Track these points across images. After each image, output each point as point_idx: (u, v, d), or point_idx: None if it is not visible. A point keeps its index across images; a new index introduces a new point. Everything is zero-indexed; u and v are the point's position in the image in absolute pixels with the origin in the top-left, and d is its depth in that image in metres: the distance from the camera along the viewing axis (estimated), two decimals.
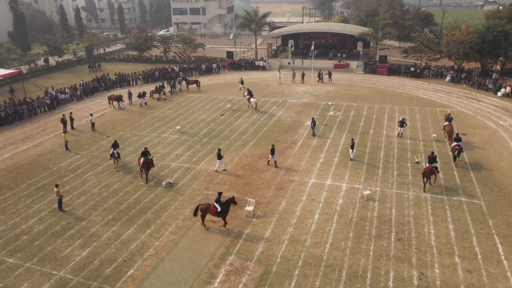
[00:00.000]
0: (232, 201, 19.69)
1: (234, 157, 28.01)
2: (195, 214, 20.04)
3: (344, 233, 19.33)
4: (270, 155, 26.46)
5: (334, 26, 67.17)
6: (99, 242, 19.09)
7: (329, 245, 18.44)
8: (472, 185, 23.63)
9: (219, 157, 25.76)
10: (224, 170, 26.06)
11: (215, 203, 19.51)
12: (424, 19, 71.14)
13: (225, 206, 19.57)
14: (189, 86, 47.27)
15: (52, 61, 60.82)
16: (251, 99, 38.91)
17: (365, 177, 24.86)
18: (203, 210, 19.58)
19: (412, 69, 51.55)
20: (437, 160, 24.31)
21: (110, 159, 26.82)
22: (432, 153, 24.45)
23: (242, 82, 45.42)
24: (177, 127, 33.73)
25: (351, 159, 27.12)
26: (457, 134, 27.56)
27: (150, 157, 25.02)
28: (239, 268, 17.04)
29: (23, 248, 18.75)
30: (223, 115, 37.53)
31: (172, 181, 24.68)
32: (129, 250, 18.39)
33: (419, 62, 54.25)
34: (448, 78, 48.75)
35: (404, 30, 73.87)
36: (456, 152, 25.99)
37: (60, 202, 21.72)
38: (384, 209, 21.27)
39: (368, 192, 22.51)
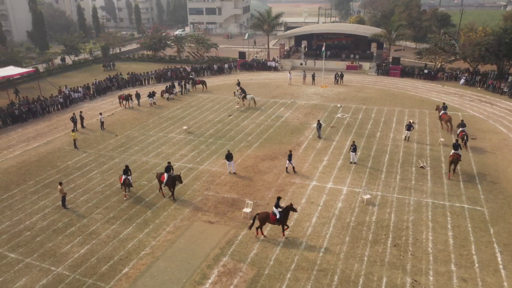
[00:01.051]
0: (291, 208, 18.87)
1: (238, 158, 28.08)
2: (251, 226, 19.22)
3: (340, 237, 19.23)
4: (287, 161, 25.70)
5: (347, 27, 66.61)
6: (98, 240, 19.49)
7: (323, 249, 18.38)
8: (477, 191, 23.17)
9: (229, 158, 25.57)
10: (229, 172, 25.96)
11: (274, 210, 18.97)
12: (441, 19, 69.95)
13: (284, 213, 18.94)
14: (196, 86, 47.74)
15: (69, 60, 62.20)
16: (247, 96, 39.30)
17: (367, 181, 24.64)
18: (262, 219, 18.83)
19: (426, 71, 50.70)
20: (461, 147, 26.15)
21: (121, 187, 23.57)
22: (457, 140, 26.54)
23: (238, 84, 45.34)
24: (184, 127, 34.08)
25: (355, 163, 26.91)
26: (462, 120, 30.56)
27: (173, 173, 22.92)
28: (232, 270, 17.16)
29: (25, 244, 19.30)
30: (230, 115, 37.72)
31: None
32: (126, 249, 18.73)
33: (433, 63, 53.25)
34: (462, 80, 47.78)
35: (421, 31, 72.77)
36: (465, 137, 28.45)
37: (63, 200, 22.26)
38: (383, 214, 21.06)
39: (368, 196, 22.32)
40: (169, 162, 23.51)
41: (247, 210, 21.06)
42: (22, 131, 35.01)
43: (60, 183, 22.26)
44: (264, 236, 19.34)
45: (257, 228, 19.27)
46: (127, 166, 23.36)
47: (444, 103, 35.34)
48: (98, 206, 22.46)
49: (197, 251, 18.42)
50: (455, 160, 24.58)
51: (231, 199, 22.86)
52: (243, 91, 40.34)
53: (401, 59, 57.44)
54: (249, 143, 31.07)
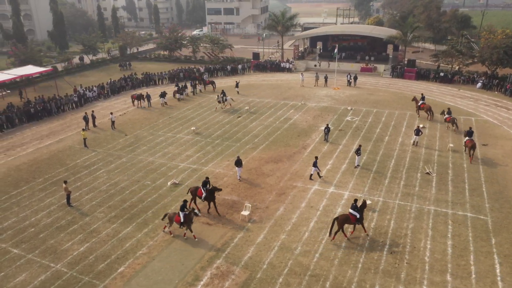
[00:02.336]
0: (364, 205, 19.25)
1: (243, 160, 27.98)
2: (330, 231, 19.11)
3: (336, 243, 19.12)
4: (312, 168, 25.09)
5: (362, 29, 65.88)
6: (98, 238, 19.95)
7: (318, 254, 18.32)
8: (482, 199, 22.62)
9: (238, 164, 25.20)
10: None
11: (351, 211, 19.04)
12: (461, 21, 68.21)
13: (361, 212, 19.02)
14: (206, 86, 48.19)
15: (87, 59, 63.59)
16: (227, 98, 39.73)
17: (370, 186, 24.39)
18: (342, 221, 18.80)
19: (442, 74, 49.66)
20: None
21: (179, 227, 19.68)
22: (470, 128, 28.86)
23: (237, 86, 45.53)
24: (192, 128, 34.43)
25: (358, 166, 26.72)
26: (448, 108, 34.16)
27: (209, 186, 21.64)
28: (225, 272, 17.30)
29: (28, 240, 19.92)
30: (239, 117, 37.87)
31: (177, 182, 25.27)
32: (123, 248, 19.10)
33: (449, 66, 52.06)
34: (479, 84, 46.59)
35: (440, 32, 71.20)
36: (455, 120, 32.51)
37: (68, 198, 22.85)
38: (383, 220, 20.81)
39: (368, 202, 22.04)
40: (207, 178, 22.22)
41: (245, 213, 21.18)
42: (36, 129, 36.04)
43: (65, 182, 22.87)
44: (348, 238, 19.27)
45: (335, 233, 19.06)
46: (185, 201, 19.94)
47: (422, 94, 38.42)
48: (101, 205, 22.96)
49: (193, 253, 18.63)
50: (473, 146, 26.96)
51: (231, 201, 23.00)
52: (224, 94, 40.33)
53: (418, 61, 56.51)
54: (255, 145, 31.16)
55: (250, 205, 21.58)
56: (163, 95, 41.86)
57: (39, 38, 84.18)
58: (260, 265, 17.68)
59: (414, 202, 22.44)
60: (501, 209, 21.62)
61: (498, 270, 17.07)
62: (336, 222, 18.92)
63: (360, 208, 19.07)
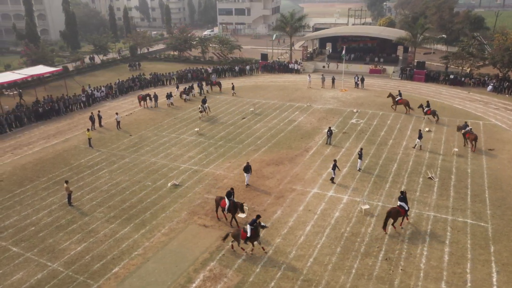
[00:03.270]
0: (405, 195, 20.28)
1: (244, 163, 28.10)
2: (384, 226, 19.69)
3: (331, 248, 19.00)
4: (331, 170, 24.94)
5: (372, 30, 65.26)
6: (96, 238, 20.19)
7: (312, 259, 18.22)
8: (484, 206, 22.22)
9: (247, 170, 24.76)
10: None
11: (400, 203, 19.82)
12: (474, 22, 67.10)
13: (406, 203, 19.97)
14: (212, 87, 48.40)
15: (98, 59, 64.38)
16: (206, 106, 38.67)
17: (370, 190, 24.16)
18: (395, 214, 19.58)
19: (452, 76, 48.90)
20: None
21: (235, 242, 18.85)
22: (465, 122, 31.28)
23: (233, 88, 46.10)
24: (196, 129, 34.60)
25: (359, 169, 26.51)
26: (427, 102, 36.35)
27: (233, 197, 21.01)
28: (217, 275, 17.34)
29: (28, 239, 20.27)
30: (244, 118, 37.90)
31: (177, 183, 25.42)
32: (120, 248, 19.30)
33: (460, 68, 51.26)
34: (490, 87, 45.77)
35: (452, 34, 70.13)
36: (436, 112, 35.11)
37: (69, 197, 23.18)
38: (380, 225, 20.53)
39: (367, 206, 21.89)
40: (232, 188, 21.44)
41: (242, 215, 21.18)
42: (44, 128, 36.64)
43: (66, 181, 23.21)
44: (401, 227, 20.22)
45: (387, 226, 19.78)
46: (258, 216, 18.64)
47: (399, 91, 40.41)
48: (101, 205, 23.23)
49: (187, 255, 18.72)
50: (475, 138, 28.99)
51: None
52: (204, 102, 39.26)
53: (428, 63, 55.74)
54: (257, 146, 31.15)
55: (247, 208, 21.59)
56: (169, 95, 42.14)
57: (53, 38, 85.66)
58: (253, 269, 17.68)
59: (413, 208, 22.11)
60: (503, 216, 21.20)
61: (494, 279, 16.75)
62: (390, 216, 19.49)
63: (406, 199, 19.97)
